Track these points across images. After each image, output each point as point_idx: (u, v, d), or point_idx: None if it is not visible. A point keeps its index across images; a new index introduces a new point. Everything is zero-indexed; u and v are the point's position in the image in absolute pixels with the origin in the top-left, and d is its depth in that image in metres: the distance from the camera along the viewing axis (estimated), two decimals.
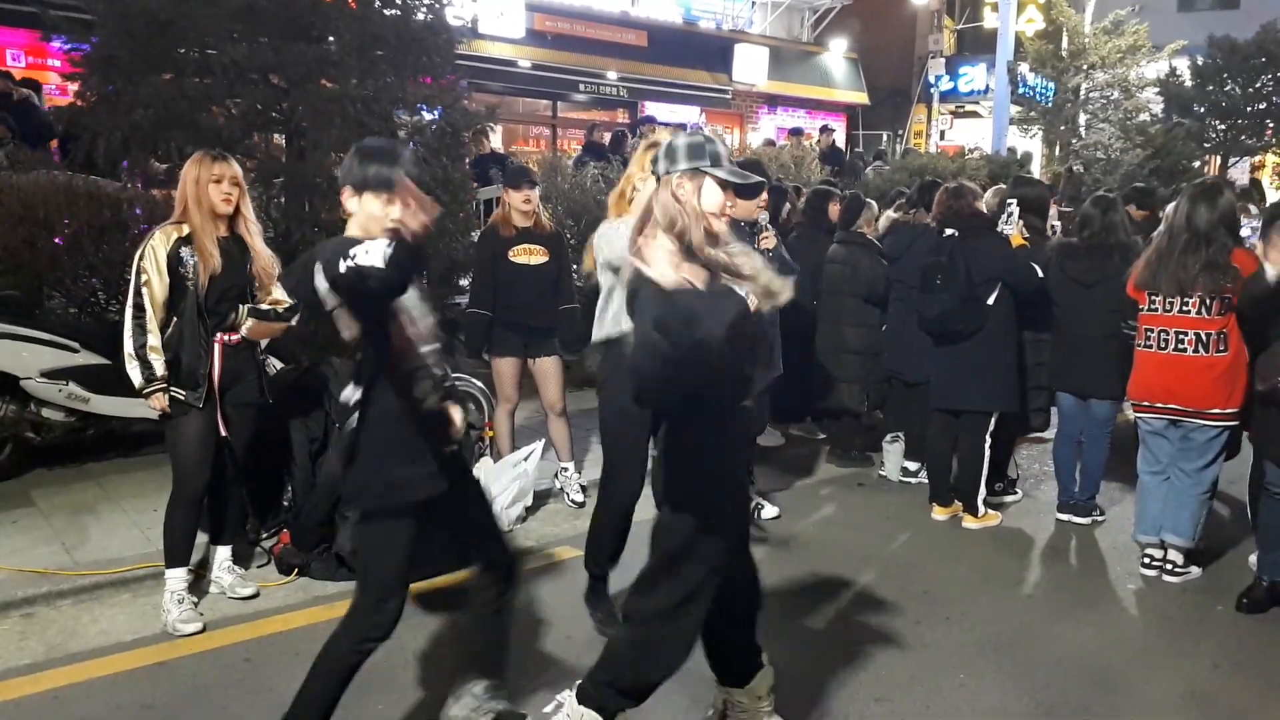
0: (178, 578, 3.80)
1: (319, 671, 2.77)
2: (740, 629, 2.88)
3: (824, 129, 14.99)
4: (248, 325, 3.77)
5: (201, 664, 3.53)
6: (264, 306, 3.81)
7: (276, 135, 6.40)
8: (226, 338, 3.77)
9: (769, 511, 5.09)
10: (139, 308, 3.64)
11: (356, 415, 2.72)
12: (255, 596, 4.03)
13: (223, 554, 4.07)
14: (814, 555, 4.66)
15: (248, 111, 5.91)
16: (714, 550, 2.63)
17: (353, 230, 2.71)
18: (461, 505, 2.91)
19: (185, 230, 3.69)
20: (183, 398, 3.69)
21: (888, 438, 5.91)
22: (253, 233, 3.85)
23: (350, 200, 2.69)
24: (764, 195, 5.12)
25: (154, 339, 3.64)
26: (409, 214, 2.51)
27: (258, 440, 4.05)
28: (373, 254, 2.41)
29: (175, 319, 3.68)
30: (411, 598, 3.93)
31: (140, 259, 3.66)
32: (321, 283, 2.59)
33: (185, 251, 3.66)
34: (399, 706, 3.27)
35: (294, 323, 3.96)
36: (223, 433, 3.82)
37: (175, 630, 3.70)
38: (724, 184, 2.55)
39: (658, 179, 2.61)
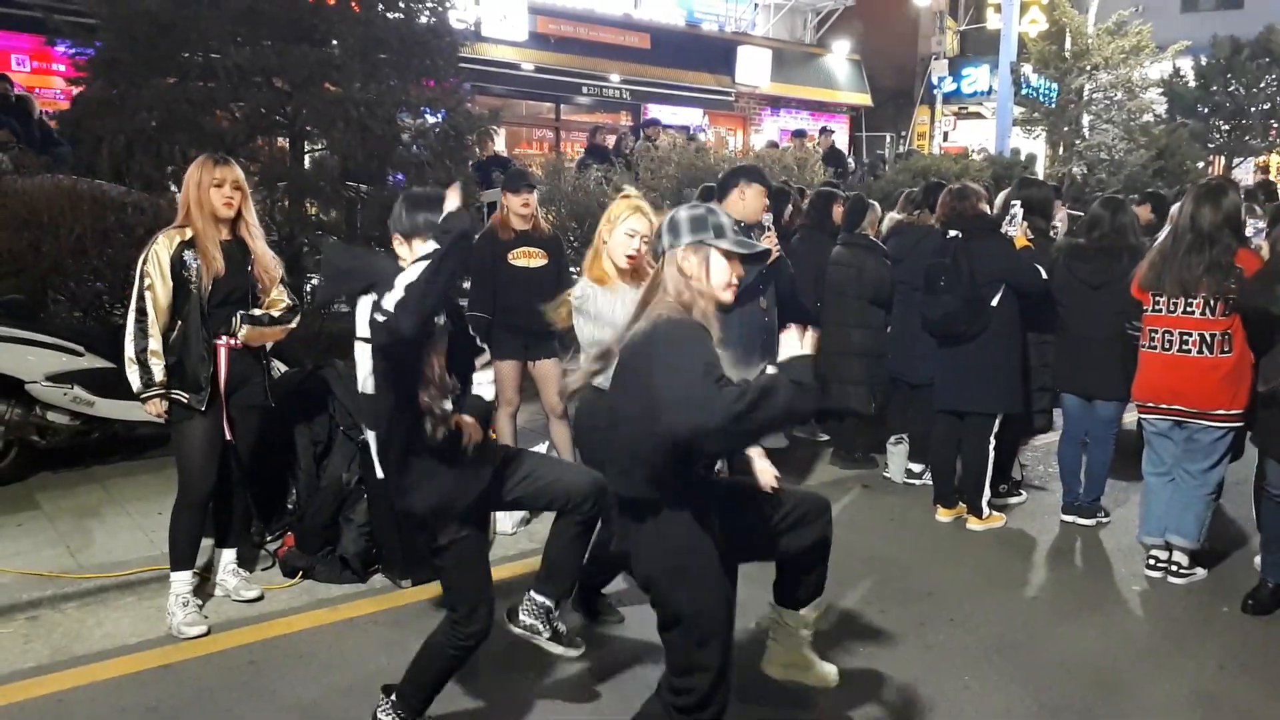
0: (182, 580, 3.80)
1: (423, 662, 2.91)
2: (809, 556, 2.85)
3: (823, 130, 14.98)
4: (243, 332, 3.77)
5: (206, 667, 3.54)
6: (257, 312, 3.80)
7: (280, 138, 6.42)
8: (231, 341, 3.77)
9: None
10: (141, 312, 3.65)
11: (379, 455, 2.81)
12: (260, 599, 4.03)
13: (227, 557, 4.07)
14: None
15: (251, 115, 5.92)
16: (724, 605, 2.59)
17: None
18: (527, 478, 3.00)
19: (188, 234, 3.70)
20: (186, 401, 3.68)
21: (892, 439, 5.91)
22: (255, 236, 3.85)
23: (400, 248, 2.77)
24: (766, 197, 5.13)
25: (155, 343, 3.64)
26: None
27: (262, 443, 4.05)
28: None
29: (179, 323, 3.68)
30: (429, 599, 3.97)
31: (144, 263, 3.66)
32: (362, 308, 2.60)
33: (188, 255, 3.67)
34: None
35: (294, 325, 3.97)
36: (228, 436, 3.82)
37: (180, 633, 3.70)
38: (729, 254, 2.53)
39: (660, 254, 2.57)
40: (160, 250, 3.66)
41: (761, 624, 3.10)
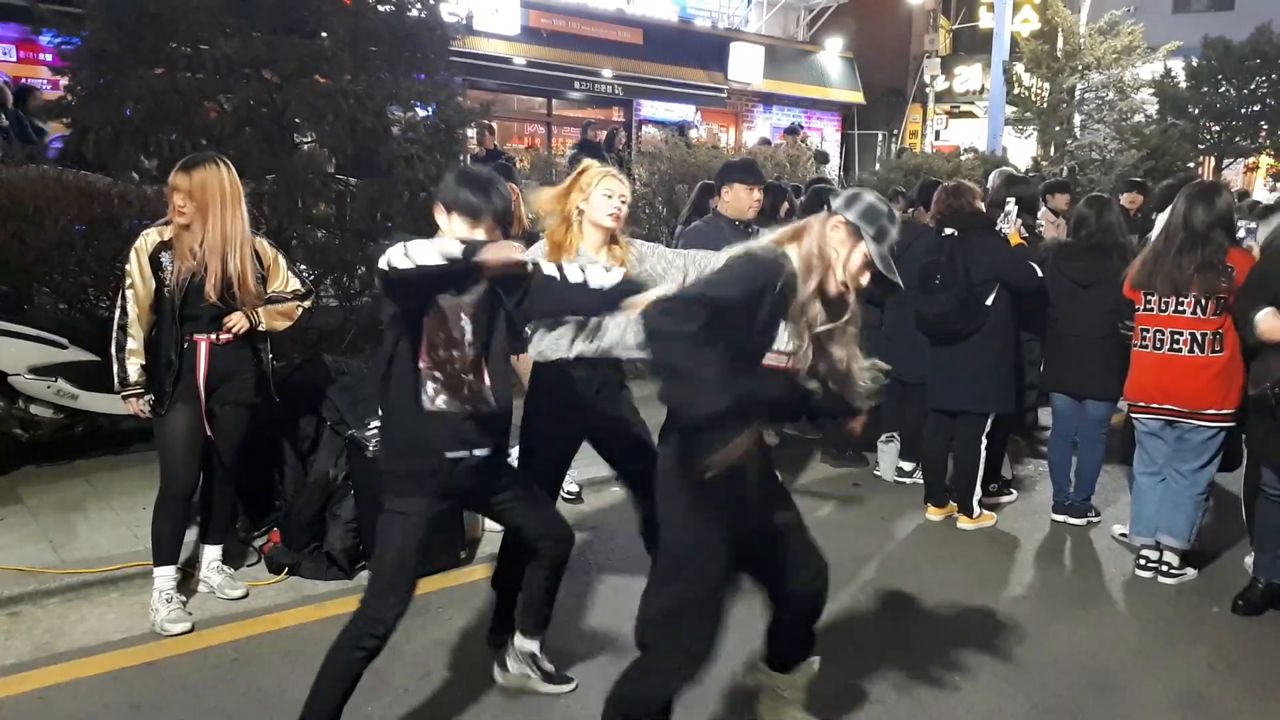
0: (166, 576, 3.76)
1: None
2: (798, 619, 2.90)
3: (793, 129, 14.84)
4: (261, 313, 3.75)
5: (190, 664, 3.50)
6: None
7: (268, 130, 6.35)
8: (214, 337, 3.70)
9: None
10: (124, 310, 3.63)
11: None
12: (244, 597, 3.99)
13: (212, 553, 4.03)
14: None
15: (240, 106, 5.86)
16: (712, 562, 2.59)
17: None
18: (519, 498, 3.09)
19: (168, 234, 3.65)
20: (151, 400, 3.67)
21: (883, 437, 5.89)
22: (211, 251, 3.59)
23: (440, 216, 2.80)
24: (760, 193, 5.11)
25: (134, 343, 3.62)
26: (494, 248, 2.57)
27: (248, 438, 3.99)
28: (414, 253, 2.45)
29: (156, 320, 3.65)
30: (416, 595, 3.93)
31: (128, 261, 3.64)
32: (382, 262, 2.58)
33: (165, 256, 3.62)
34: (392, 711, 3.24)
35: (308, 305, 3.98)
36: (208, 433, 3.76)
37: (163, 630, 3.67)
38: (870, 260, 2.56)
39: (827, 208, 2.62)
40: (140, 248, 3.63)
41: (750, 682, 3.11)
